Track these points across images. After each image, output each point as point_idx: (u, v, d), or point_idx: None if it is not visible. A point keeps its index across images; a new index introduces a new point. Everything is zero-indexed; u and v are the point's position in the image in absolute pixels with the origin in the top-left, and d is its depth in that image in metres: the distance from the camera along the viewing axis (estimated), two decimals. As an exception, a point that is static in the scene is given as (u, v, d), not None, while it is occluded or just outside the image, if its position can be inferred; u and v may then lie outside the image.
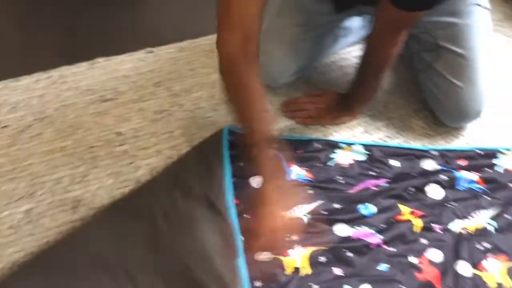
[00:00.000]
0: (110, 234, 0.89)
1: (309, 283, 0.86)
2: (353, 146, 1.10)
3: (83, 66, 1.29)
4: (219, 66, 0.92)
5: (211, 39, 1.36)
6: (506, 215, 0.99)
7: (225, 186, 0.95)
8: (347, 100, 1.16)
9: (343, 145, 1.10)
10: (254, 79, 0.91)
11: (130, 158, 1.08)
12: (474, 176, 1.06)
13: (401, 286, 0.87)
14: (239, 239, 0.87)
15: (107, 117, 1.16)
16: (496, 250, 0.93)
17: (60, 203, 0.99)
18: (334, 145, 1.10)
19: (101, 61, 1.31)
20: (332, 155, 1.08)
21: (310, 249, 0.91)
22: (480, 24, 1.12)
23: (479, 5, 1.12)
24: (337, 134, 1.15)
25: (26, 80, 1.24)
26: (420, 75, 1.18)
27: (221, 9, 0.88)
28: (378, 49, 1.04)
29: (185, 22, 1.46)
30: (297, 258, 0.89)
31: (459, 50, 1.10)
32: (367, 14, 1.19)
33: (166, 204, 0.93)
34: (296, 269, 0.88)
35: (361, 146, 1.10)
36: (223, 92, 0.95)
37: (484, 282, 0.89)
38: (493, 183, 1.05)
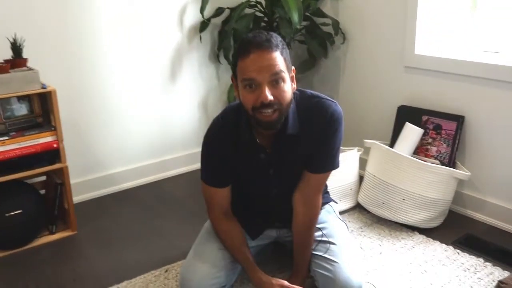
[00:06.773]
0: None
1: None
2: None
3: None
4: (211, 223, 1.57)
5: (145, 277, 1.67)
6: None
7: None
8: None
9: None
10: (233, 228, 1.53)
11: None
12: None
13: None
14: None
15: None
16: None
17: None
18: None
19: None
20: None
21: None
22: (342, 228, 1.63)
23: (338, 218, 1.65)
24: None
25: None
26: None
27: (206, 200, 1.55)
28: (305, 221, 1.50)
29: (122, 266, 1.77)
30: None
31: (332, 240, 1.53)
32: (281, 239, 1.63)
33: None
34: None
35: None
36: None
37: None
38: None
